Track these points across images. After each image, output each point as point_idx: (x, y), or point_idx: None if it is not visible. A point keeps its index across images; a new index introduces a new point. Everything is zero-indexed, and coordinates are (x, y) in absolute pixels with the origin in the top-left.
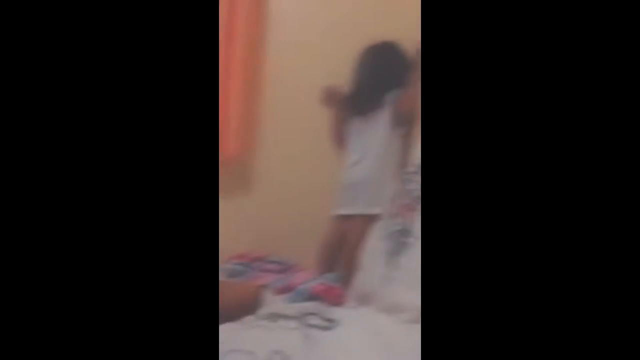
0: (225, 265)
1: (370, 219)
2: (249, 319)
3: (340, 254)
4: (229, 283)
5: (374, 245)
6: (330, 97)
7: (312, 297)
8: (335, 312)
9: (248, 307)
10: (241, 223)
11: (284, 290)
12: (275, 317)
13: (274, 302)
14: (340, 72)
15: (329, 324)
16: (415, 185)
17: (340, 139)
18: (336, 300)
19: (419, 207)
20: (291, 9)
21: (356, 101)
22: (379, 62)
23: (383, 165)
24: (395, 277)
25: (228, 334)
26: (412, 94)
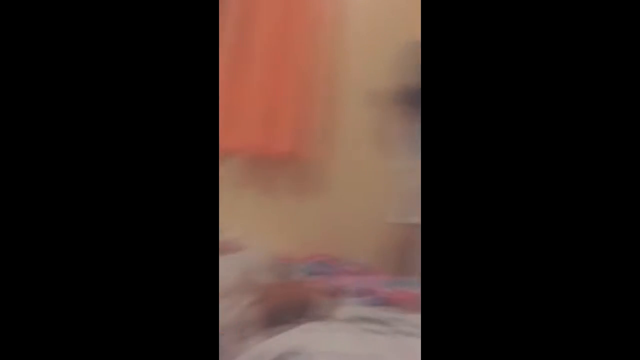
0: (302, 264)
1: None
2: (331, 320)
3: (411, 259)
4: (308, 282)
5: None
6: (381, 99)
7: (390, 302)
8: (417, 319)
9: (327, 307)
10: (317, 223)
11: (362, 293)
12: (361, 320)
13: (353, 305)
14: (389, 73)
15: (415, 329)
16: None
17: (391, 141)
18: (413, 307)
19: None
20: (340, 9)
21: (404, 102)
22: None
23: None
24: None
25: (312, 334)
26: None
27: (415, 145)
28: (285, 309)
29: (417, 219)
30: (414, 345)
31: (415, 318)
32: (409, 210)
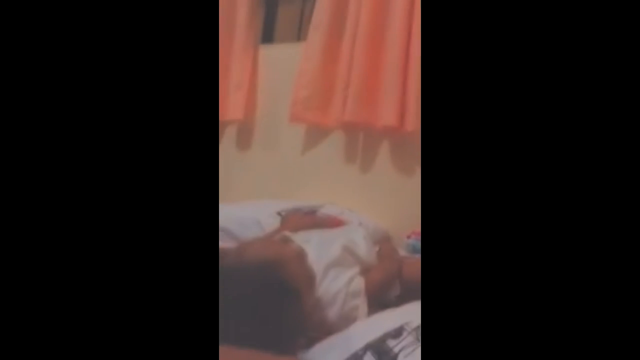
0: (406, 241)
1: None
2: None
3: None
4: (413, 259)
5: None
6: None
7: None
8: None
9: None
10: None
11: None
12: None
13: None
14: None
15: None
16: None
17: None
18: None
19: None
20: None
21: None
22: None
23: None
24: None
25: (418, 314)
26: None
27: None
28: (390, 286)
29: None
30: None
31: None
32: None
